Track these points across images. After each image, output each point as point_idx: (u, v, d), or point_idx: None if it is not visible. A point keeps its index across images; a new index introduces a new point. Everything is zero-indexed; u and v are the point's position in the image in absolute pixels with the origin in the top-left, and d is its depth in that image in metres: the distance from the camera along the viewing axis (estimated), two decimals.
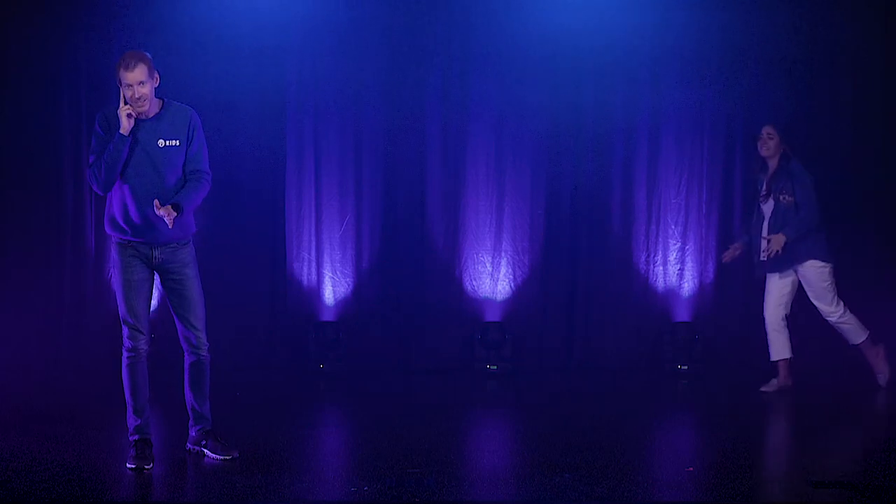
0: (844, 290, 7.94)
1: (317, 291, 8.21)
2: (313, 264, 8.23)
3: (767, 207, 6.97)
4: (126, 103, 4.86)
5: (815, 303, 6.98)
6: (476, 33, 8.14)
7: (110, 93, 7.94)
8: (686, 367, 7.83)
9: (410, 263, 8.23)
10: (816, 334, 7.88)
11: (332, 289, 8.21)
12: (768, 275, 7.03)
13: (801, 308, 8.05)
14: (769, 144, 6.93)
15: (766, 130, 6.97)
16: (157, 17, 7.80)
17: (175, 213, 4.82)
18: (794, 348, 7.09)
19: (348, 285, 8.22)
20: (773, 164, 6.96)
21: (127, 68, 4.86)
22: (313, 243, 8.23)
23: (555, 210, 8.27)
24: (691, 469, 5.03)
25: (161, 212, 4.79)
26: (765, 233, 6.93)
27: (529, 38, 8.06)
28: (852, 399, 6.92)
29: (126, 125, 4.84)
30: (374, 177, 8.23)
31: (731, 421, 6.26)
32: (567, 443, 5.54)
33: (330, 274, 8.21)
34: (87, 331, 7.94)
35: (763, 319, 7.16)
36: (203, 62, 7.77)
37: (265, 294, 8.23)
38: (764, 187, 6.97)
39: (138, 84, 4.85)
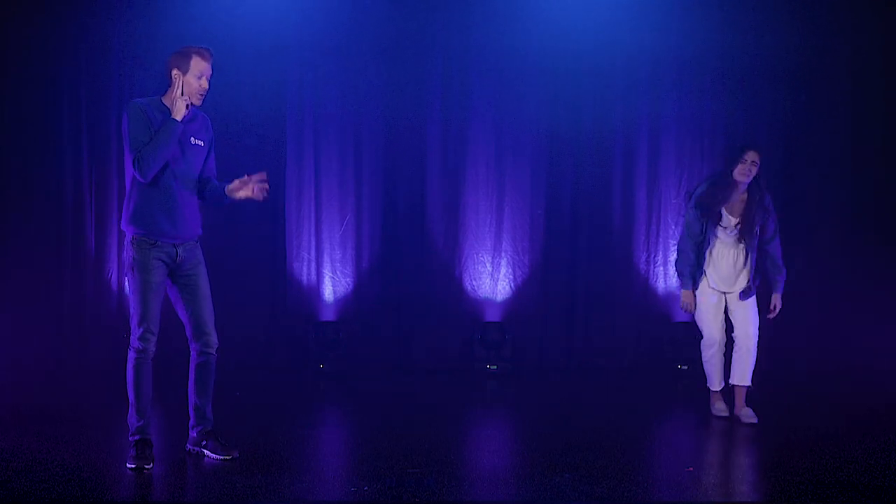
0: (844, 289, 7.97)
1: (317, 291, 8.21)
2: (313, 264, 8.23)
3: (733, 236, 6.13)
4: (182, 94, 4.87)
5: (749, 330, 6.21)
6: (475, 34, 8.15)
7: (111, 93, 7.96)
8: (686, 367, 7.83)
9: (410, 263, 8.24)
10: (815, 337, 7.90)
11: (332, 289, 8.21)
12: (747, 301, 6.24)
13: (797, 308, 8.07)
14: (753, 171, 6.01)
15: (753, 157, 5.99)
16: (156, 18, 7.81)
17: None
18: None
19: (348, 285, 8.22)
20: (742, 190, 6.08)
21: (206, 59, 4.92)
22: (313, 243, 8.23)
23: (555, 210, 8.27)
24: (691, 469, 5.04)
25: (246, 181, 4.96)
26: (730, 263, 6.14)
27: (529, 38, 8.08)
28: (851, 400, 6.91)
29: (183, 113, 4.86)
30: (374, 177, 8.23)
31: (730, 421, 6.26)
32: (567, 443, 5.54)
33: (330, 274, 8.21)
34: (87, 331, 7.94)
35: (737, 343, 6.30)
36: None
37: (265, 294, 8.24)
38: (730, 216, 6.09)
39: (209, 77, 4.93)
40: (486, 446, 5.87)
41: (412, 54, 8.14)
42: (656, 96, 8.16)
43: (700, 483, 4.81)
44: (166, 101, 4.95)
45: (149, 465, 4.90)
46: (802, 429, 5.96)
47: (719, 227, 6.11)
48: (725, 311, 6.28)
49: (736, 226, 6.08)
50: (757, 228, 6.09)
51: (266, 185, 5.04)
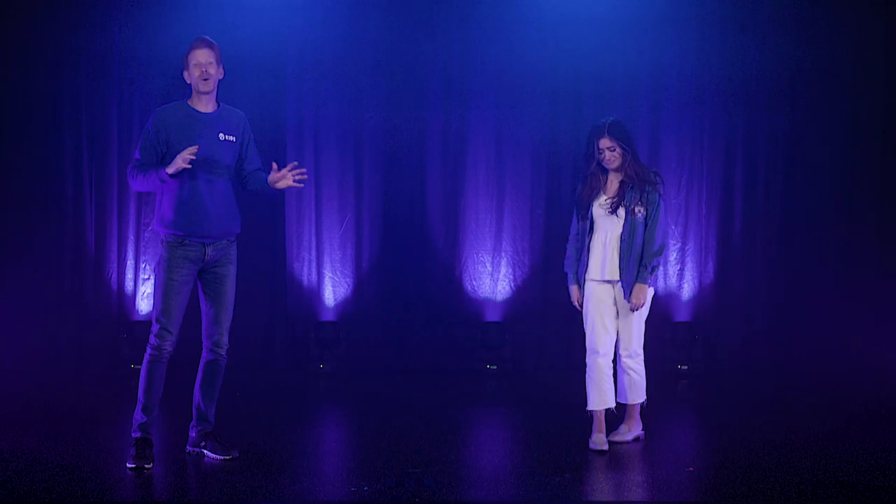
0: (844, 288, 7.95)
1: (317, 291, 8.21)
2: (313, 264, 8.23)
3: (610, 221, 5.51)
4: (191, 156, 4.85)
5: (620, 342, 5.65)
6: (476, 32, 8.15)
7: (111, 93, 7.96)
8: (686, 367, 7.83)
9: (410, 264, 8.23)
10: (815, 337, 7.90)
11: (332, 289, 8.21)
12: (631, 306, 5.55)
13: (797, 308, 8.07)
14: (615, 156, 5.45)
15: (605, 144, 5.46)
16: (156, 18, 7.81)
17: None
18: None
19: (348, 285, 8.22)
20: (616, 173, 5.53)
21: (195, 48, 4.98)
22: (313, 243, 8.23)
23: (555, 210, 8.27)
24: (691, 469, 5.03)
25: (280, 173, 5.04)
26: (607, 249, 5.52)
27: (529, 37, 8.07)
28: (851, 400, 6.91)
29: (176, 168, 4.82)
30: (373, 177, 8.23)
31: (731, 421, 6.26)
32: (567, 443, 5.54)
33: (330, 274, 8.21)
34: (87, 331, 7.94)
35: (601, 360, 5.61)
36: None
37: (265, 294, 8.23)
38: (605, 198, 5.52)
39: (208, 64, 4.96)
40: (486, 446, 5.87)
41: (412, 54, 8.13)
42: (657, 96, 8.15)
43: (700, 483, 4.81)
44: (192, 103, 5.04)
45: (149, 465, 4.91)
46: (802, 429, 5.96)
47: (596, 211, 5.53)
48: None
49: (608, 201, 5.51)
50: (631, 204, 5.44)
51: (303, 171, 5.15)
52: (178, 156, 4.81)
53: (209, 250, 5.03)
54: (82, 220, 8.02)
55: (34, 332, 7.76)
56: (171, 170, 4.83)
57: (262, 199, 8.13)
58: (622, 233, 5.47)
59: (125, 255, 8.07)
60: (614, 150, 5.45)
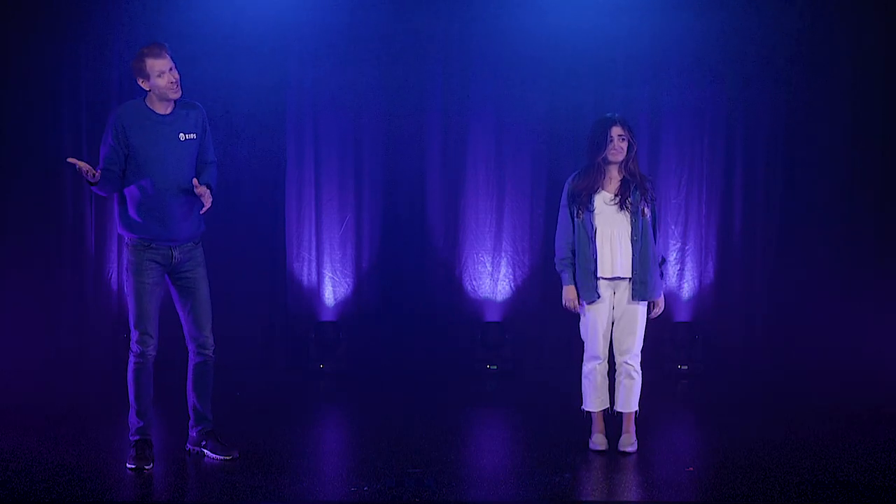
0: (844, 288, 7.95)
1: (317, 292, 8.21)
2: (313, 264, 8.23)
3: (617, 218, 5.45)
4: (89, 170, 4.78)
5: (622, 344, 5.58)
6: (476, 33, 8.14)
7: (110, 92, 7.96)
8: (686, 367, 7.83)
9: (410, 264, 8.23)
10: (813, 336, 7.90)
11: (332, 289, 8.21)
12: (637, 305, 5.57)
13: (797, 308, 8.07)
14: (624, 146, 5.42)
15: (617, 132, 5.42)
16: (156, 19, 7.80)
17: (210, 192, 4.93)
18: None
19: (348, 285, 8.22)
20: (617, 169, 5.48)
21: (158, 55, 4.86)
22: (313, 243, 8.23)
23: (555, 210, 8.24)
24: (691, 469, 5.04)
25: (200, 189, 4.85)
26: (614, 245, 5.46)
27: (529, 38, 8.06)
28: (851, 400, 6.91)
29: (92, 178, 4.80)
30: (374, 177, 8.23)
31: (731, 421, 6.27)
32: (567, 443, 5.54)
33: (330, 274, 8.21)
34: (87, 331, 7.95)
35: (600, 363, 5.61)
36: (203, 64, 7.77)
37: (265, 294, 8.24)
38: (609, 194, 5.48)
39: (170, 70, 4.88)
40: (486, 446, 5.88)
41: (412, 54, 8.12)
42: (656, 96, 8.15)
43: (700, 483, 4.81)
44: (150, 103, 4.94)
45: (149, 465, 4.91)
46: (802, 429, 5.97)
47: (598, 207, 5.48)
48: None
49: (615, 196, 5.45)
50: (638, 204, 5.41)
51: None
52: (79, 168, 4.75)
53: (176, 253, 5.00)
54: (82, 220, 8.02)
55: (34, 332, 7.76)
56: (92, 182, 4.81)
57: (262, 199, 8.17)
58: (632, 233, 5.44)
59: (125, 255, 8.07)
60: (625, 138, 5.42)
